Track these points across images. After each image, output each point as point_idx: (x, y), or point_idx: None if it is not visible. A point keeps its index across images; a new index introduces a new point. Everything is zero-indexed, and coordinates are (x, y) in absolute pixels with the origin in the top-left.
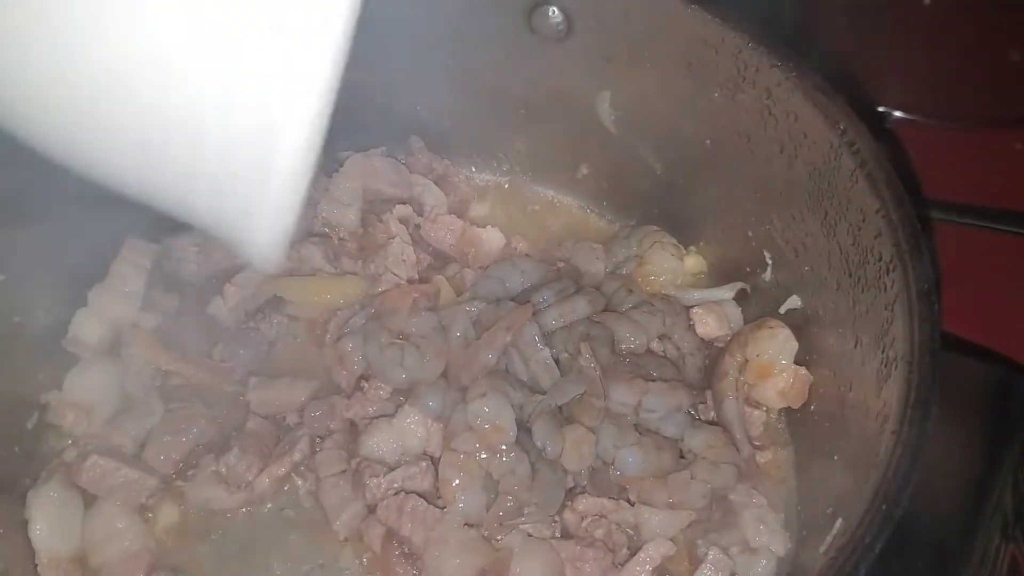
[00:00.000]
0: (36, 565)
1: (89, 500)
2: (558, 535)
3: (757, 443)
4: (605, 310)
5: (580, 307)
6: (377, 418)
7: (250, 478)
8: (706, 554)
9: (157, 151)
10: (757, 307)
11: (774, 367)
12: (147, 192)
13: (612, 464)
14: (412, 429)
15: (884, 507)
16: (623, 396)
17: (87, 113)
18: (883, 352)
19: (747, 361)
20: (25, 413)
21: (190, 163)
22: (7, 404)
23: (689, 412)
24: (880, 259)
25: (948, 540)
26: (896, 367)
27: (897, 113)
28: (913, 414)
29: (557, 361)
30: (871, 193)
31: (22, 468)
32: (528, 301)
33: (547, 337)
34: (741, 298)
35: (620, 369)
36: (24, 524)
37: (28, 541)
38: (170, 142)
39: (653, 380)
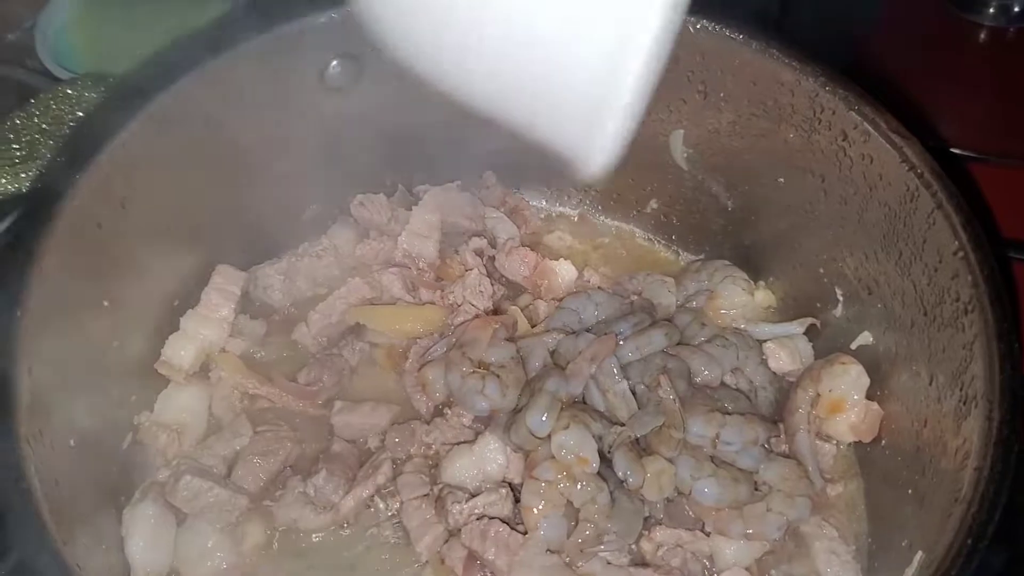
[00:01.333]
0: None
1: (181, 518)
2: (635, 563)
3: (828, 476)
4: (679, 343)
5: (657, 340)
6: (458, 444)
7: (336, 500)
8: None
9: (514, 69)
10: (828, 343)
11: (846, 402)
12: (495, 107)
13: (688, 495)
14: (492, 456)
15: (970, 541)
16: (701, 428)
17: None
18: (961, 390)
19: (819, 396)
20: (120, 434)
21: (544, 76)
22: (105, 425)
23: (764, 445)
24: (958, 299)
25: None
26: (976, 405)
27: (969, 153)
28: (996, 452)
29: (634, 392)
30: (949, 235)
31: (118, 486)
32: (606, 333)
33: (624, 369)
34: (811, 333)
35: (696, 401)
36: (121, 541)
37: (125, 557)
38: (527, 58)
39: (729, 413)
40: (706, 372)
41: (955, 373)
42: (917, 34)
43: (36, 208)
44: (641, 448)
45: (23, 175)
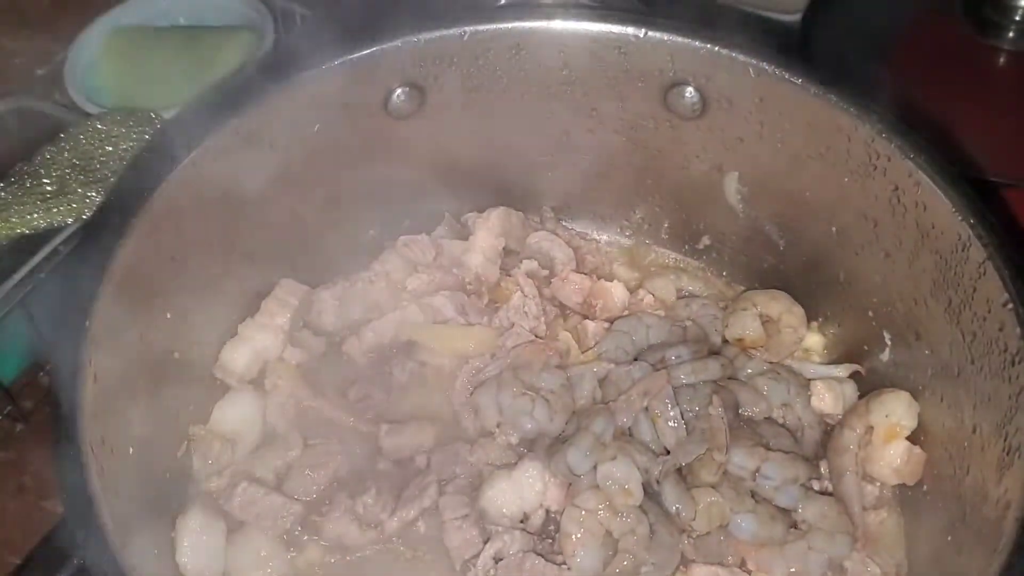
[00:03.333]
0: None
1: (233, 527)
2: None
3: (869, 506)
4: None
5: (713, 368)
6: (500, 467)
7: (384, 518)
8: None
9: None
10: (872, 388)
11: (900, 428)
12: None
13: (725, 527)
14: (531, 482)
15: None
16: (743, 460)
17: None
18: (1005, 440)
19: (870, 428)
20: (176, 443)
21: None
22: (162, 434)
23: (803, 484)
24: (1005, 350)
25: None
26: (1019, 456)
27: (1000, 180)
28: None
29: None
30: (999, 286)
31: (172, 494)
32: (663, 361)
33: (675, 394)
34: (856, 379)
35: (740, 434)
36: (173, 548)
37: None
38: None
39: (771, 449)
40: (753, 406)
41: (1000, 423)
42: (936, 60)
43: (107, 221)
44: (684, 478)
45: (54, 210)
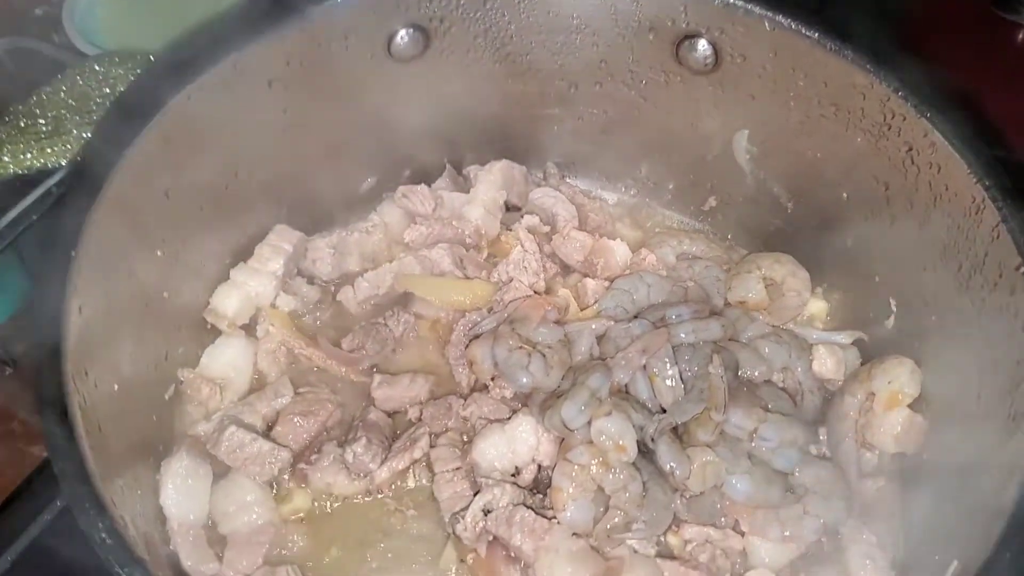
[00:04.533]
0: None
1: (220, 472)
2: (661, 556)
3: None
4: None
5: (713, 328)
6: (493, 421)
7: (373, 468)
8: None
9: None
10: (876, 355)
11: (901, 396)
12: None
13: (719, 488)
14: (524, 436)
15: (1008, 555)
16: (740, 420)
17: None
18: (1011, 406)
19: (872, 395)
20: (164, 385)
21: None
22: (149, 374)
23: (801, 448)
24: (1016, 315)
25: None
26: None
27: None
28: None
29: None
30: (1012, 250)
31: (158, 436)
32: (663, 320)
33: (674, 352)
34: (859, 346)
35: (739, 395)
36: (158, 489)
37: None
38: None
39: (770, 411)
40: (754, 368)
41: (1007, 389)
42: (958, 36)
43: (98, 155)
44: (679, 437)
45: (48, 150)
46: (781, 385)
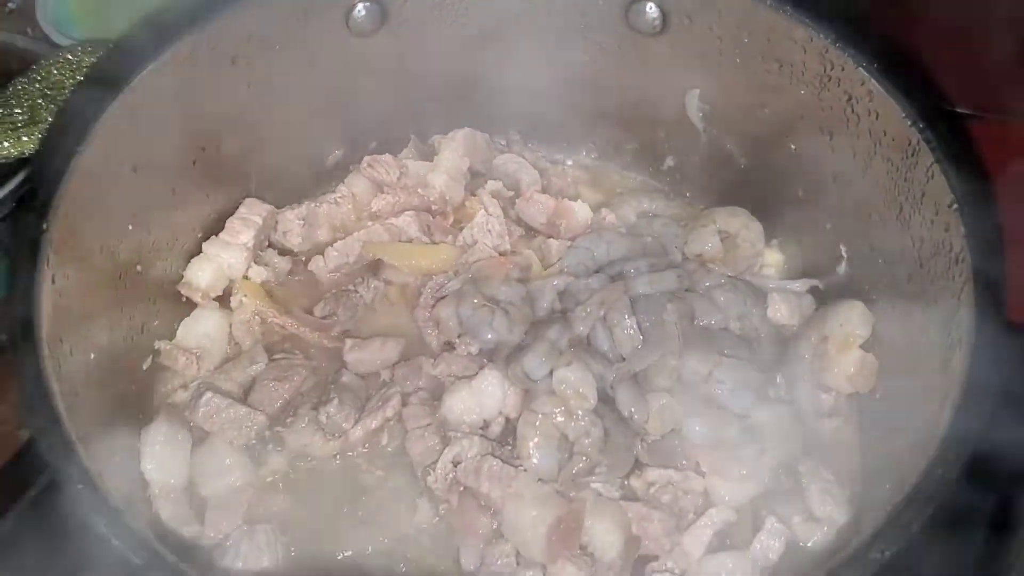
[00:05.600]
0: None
1: (199, 438)
2: (625, 498)
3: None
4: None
5: (669, 278)
6: (460, 378)
7: (347, 427)
8: (764, 522)
9: None
10: (830, 301)
11: (853, 339)
12: None
13: (679, 431)
14: (490, 391)
15: (940, 472)
16: (696, 365)
17: None
18: (949, 336)
19: (825, 338)
20: (141, 356)
21: None
22: (126, 345)
23: (757, 390)
24: (951, 250)
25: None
26: (960, 348)
27: (968, 111)
28: (973, 389)
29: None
30: (945, 188)
31: (138, 405)
32: (621, 274)
33: (632, 304)
34: (814, 293)
35: (696, 342)
36: (138, 457)
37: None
38: None
39: (726, 356)
40: (710, 316)
41: (945, 321)
42: None
43: (67, 130)
44: (639, 384)
45: (24, 139)
46: (738, 332)
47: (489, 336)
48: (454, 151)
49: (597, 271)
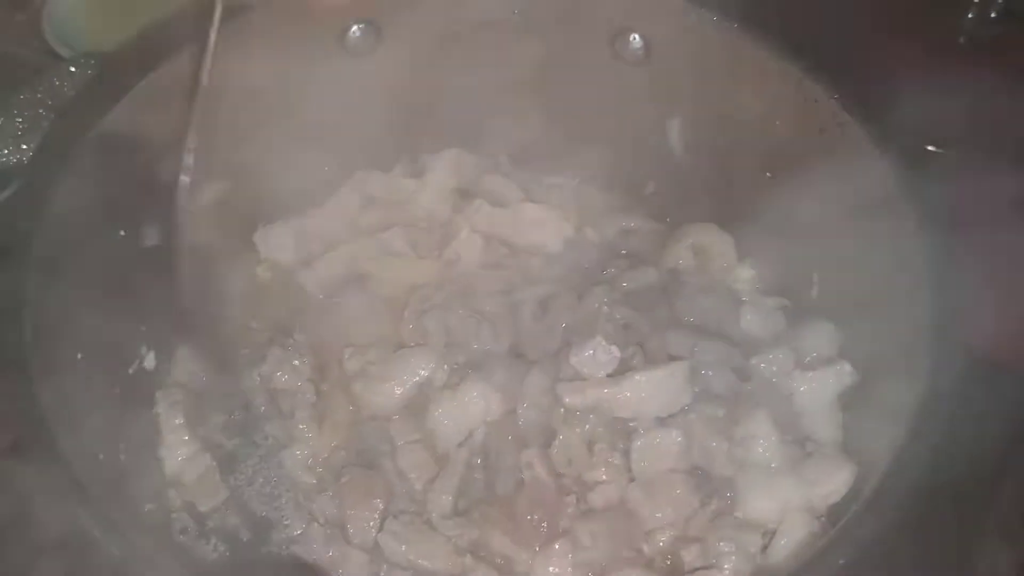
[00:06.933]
0: None
1: None
2: None
3: None
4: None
5: (650, 274)
6: (443, 389)
7: None
8: None
9: None
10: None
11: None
12: None
13: None
14: (475, 400)
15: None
16: (680, 338)
17: None
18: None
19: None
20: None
21: None
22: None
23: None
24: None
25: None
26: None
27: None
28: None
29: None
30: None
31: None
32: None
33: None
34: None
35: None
36: None
37: None
38: None
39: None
40: (689, 315)
41: (907, 346)
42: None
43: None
44: None
45: (24, 146)
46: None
47: (475, 347)
48: (442, 170)
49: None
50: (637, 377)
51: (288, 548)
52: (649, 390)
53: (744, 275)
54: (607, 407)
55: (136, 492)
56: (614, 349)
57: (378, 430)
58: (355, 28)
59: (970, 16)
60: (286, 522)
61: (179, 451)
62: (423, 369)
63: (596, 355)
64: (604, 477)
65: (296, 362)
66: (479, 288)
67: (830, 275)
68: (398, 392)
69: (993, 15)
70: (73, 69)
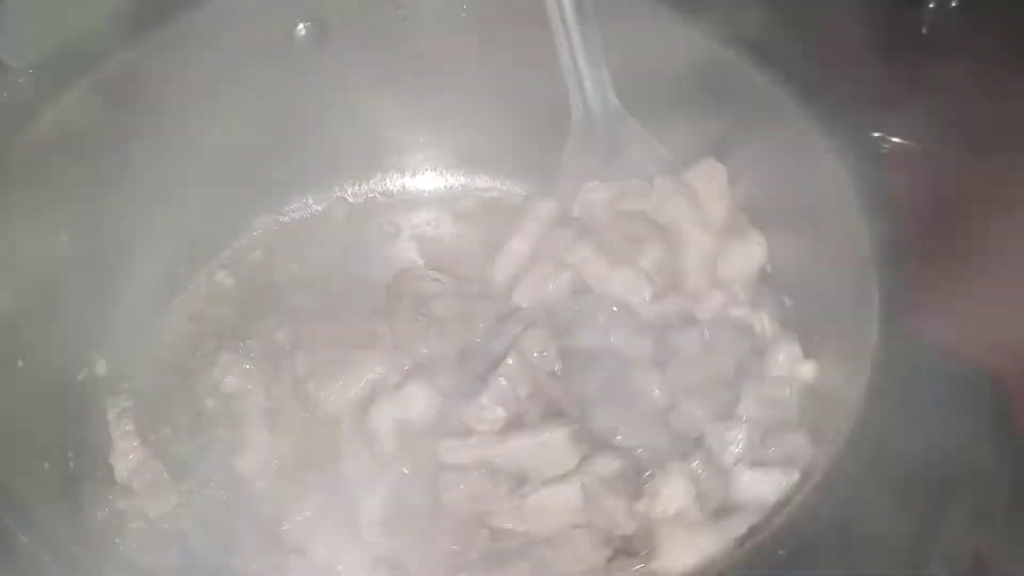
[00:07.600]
0: None
1: None
2: None
3: None
4: None
5: None
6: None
7: None
8: None
9: None
10: None
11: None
12: None
13: None
14: (414, 402)
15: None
16: None
17: None
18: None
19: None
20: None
21: None
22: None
23: None
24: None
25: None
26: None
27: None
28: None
29: None
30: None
31: None
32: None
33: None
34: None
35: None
36: None
37: None
38: None
39: None
40: None
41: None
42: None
43: None
44: None
45: None
46: None
47: (424, 351)
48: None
49: None
50: (515, 443)
51: (236, 555)
52: (532, 452)
53: None
54: (490, 465)
55: (85, 500)
56: (499, 410)
57: (329, 433)
58: (301, 27)
59: (931, 6)
60: (236, 528)
61: (129, 457)
62: (373, 373)
63: (483, 413)
64: (509, 525)
65: (248, 366)
66: (430, 292)
67: (800, 302)
68: (351, 393)
69: (954, 4)
70: (21, 81)
